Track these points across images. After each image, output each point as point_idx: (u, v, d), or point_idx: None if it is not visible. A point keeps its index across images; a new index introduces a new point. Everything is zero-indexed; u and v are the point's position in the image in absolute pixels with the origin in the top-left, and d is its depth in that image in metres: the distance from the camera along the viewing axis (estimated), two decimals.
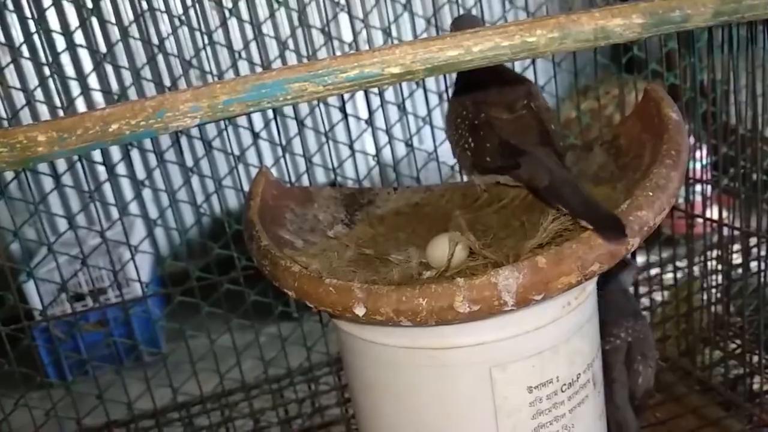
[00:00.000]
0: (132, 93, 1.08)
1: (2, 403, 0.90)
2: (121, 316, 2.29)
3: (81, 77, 1.98)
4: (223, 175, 1.07)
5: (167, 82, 1.67)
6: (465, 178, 0.70)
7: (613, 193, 0.54)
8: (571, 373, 0.50)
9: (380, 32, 1.21)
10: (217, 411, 1.02)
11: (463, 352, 0.48)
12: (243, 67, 1.07)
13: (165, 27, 1.83)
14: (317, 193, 0.67)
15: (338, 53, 0.67)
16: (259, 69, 0.99)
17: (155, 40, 1.67)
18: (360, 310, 0.45)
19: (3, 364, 0.91)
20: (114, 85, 2.08)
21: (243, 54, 1.01)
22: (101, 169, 2.76)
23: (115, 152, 2.66)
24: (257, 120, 1.16)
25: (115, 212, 2.84)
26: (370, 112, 0.97)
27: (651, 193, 0.45)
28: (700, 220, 0.91)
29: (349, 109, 0.98)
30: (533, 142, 0.54)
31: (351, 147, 0.96)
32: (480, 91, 0.59)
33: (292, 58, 1.16)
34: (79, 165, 1.03)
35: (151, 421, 1.01)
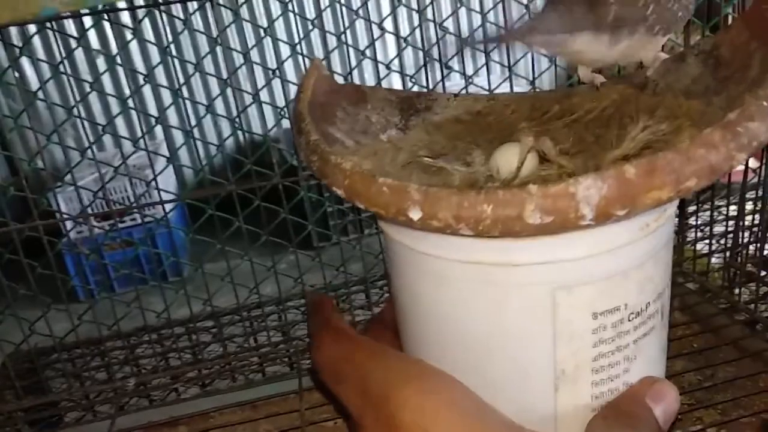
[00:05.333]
0: None
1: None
2: (145, 237, 2.32)
3: None
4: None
5: None
6: None
7: (708, 108, 0.48)
8: (640, 301, 0.46)
9: None
10: (246, 321, 1.03)
11: (526, 270, 0.43)
12: None
13: None
14: (371, 94, 0.62)
15: None
16: None
17: None
18: (415, 214, 0.41)
19: (35, 267, 0.93)
20: None
21: None
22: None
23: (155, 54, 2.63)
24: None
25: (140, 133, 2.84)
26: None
27: (766, 103, 0.38)
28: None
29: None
30: None
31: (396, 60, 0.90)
32: None
33: None
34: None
35: (181, 327, 1.03)
